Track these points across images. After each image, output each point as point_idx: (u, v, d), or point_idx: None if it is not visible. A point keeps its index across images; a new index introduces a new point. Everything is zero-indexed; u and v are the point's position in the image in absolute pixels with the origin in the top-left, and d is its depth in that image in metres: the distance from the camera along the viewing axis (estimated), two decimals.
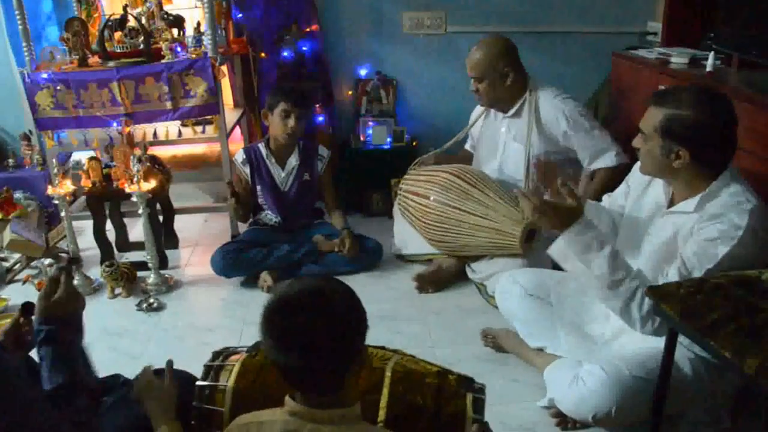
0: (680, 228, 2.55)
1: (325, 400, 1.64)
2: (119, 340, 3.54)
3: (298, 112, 4.02)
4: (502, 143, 4.07)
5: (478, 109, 4.29)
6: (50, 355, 1.85)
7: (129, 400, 2.20)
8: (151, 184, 3.96)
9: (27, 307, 2.14)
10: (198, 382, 2.02)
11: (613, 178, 3.55)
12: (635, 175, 2.93)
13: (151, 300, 3.89)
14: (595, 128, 3.83)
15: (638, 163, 2.79)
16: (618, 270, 2.53)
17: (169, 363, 2.10)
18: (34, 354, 1.96)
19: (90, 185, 4.20)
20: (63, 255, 4.33)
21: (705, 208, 2.48)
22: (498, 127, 4.10)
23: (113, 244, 4.46)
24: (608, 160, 3.80)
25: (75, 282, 3.88)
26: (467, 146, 4.54)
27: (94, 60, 4.49)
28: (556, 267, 3.37)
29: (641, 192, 2.87)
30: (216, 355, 2.14)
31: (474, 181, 3.87)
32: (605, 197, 3.15)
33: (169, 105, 4.31)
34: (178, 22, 4.61)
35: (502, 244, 3.72)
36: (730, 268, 2.35)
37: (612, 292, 2.54)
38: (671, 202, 2.66)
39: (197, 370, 2.10)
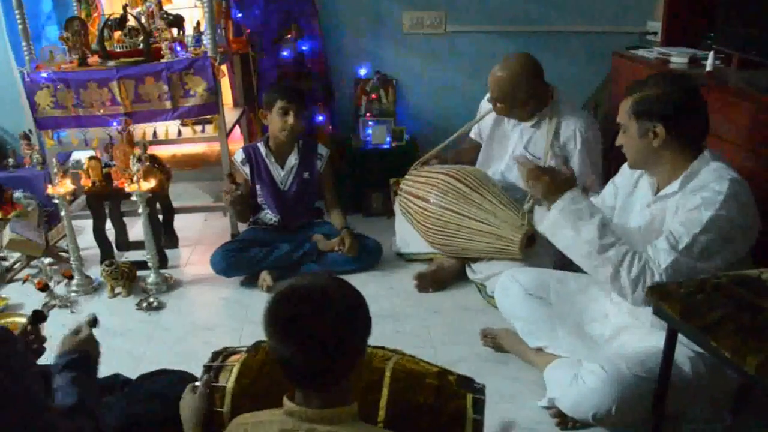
0: (667, 208, 2.61)
1: (323, 399, 1.65)
2: (119, 339, 3.54)
3: (295, 108, 4.03)
4: (512, 148, 4.06)
5: (488, 101, 4.24)
6: (66, 381, 1.89)
7: (129, 400, 2.21)
8: (151, 183, 3.96)
9: (36, 315, 2.16)
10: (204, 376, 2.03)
11: None
12: (623, 175, 2.99)
13: (151, 299, 3.89)
14: (596, 168, 3.87)
15: (624, 165, 2.85)
16: (607, 235, 2.60)
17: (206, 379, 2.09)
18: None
19: (90, 185, 4.20)
20: (63, 254, 4.32)
21: (688, 186, 2.55)
22: (510, 132, 4.09)
23: (113, 244, 4.46)
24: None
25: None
26: (472, 134, 4.48)
27: (93, 59, 4.49)
28: (556, 267, 3.39)
29: (629, 191, 2.91)
30: (215, 355, 2.15)
31: (474, 184, 3.87)
32: (592, 199, 3.15)
33: (168, 104, 4.31)
34: (177, 21, 4.61)
35: (502, 248, 3.71)
36: (716, 235, 2.42)
37: (601, 257, 2.59)
38: (657, 190, 2.71)
39: (197, 370, 2.10)
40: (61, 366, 1.94)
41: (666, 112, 2.55)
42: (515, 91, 3.81)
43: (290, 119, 4.02)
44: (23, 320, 3.40)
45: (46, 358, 2.16)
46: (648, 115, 2.57)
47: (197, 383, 2.04)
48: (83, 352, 2.02)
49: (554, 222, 2.75)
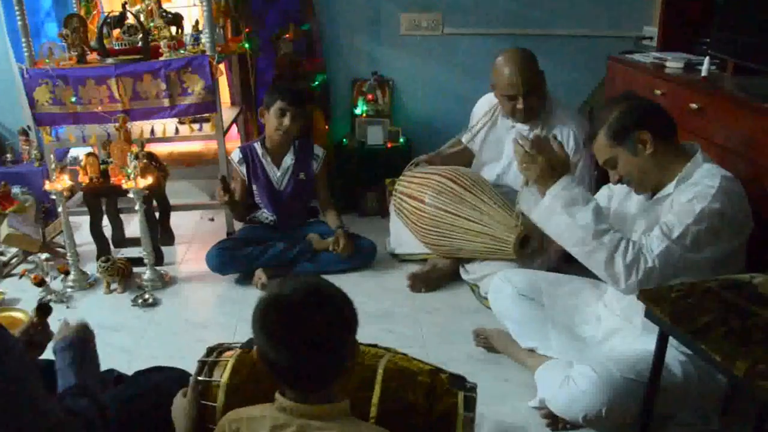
0: (661, 208, 2.64)
1: (315, 396, 1.66)
2: (114, 335, 3.55)
3: (293, 111, 4.04)
4: (507, 152, 4.06)
5: (483, 106, 4.24)
6: (66, 362, 1.97)
7: (123, 396, 2.22)
8: (148, 180, 3.98)
9: (43, 309, 2.16)
10: (192, 377, 2.04)
11: None
12: None
13: (147, 296, 3.90)
14: (588, 176, 3.86)
15: None
16: (602, 222, 2.60)
17: (194, 383, 2.09)
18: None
19: (87, 181, 4.21)
20: (60, 250, 4.33)
21: (681, 186, 2.58)
22: (505, 135, 4.08)
23: (109, 240, 4.46)
24: None
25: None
26: (462, 138, 4.44)
27: (92, 56, 4.49)
28: (549, 269, 3.41)
29: (624, 195, 2.93)
30: (210, 350, 2.16)
31: (469, 185, 3.88)
32: None
33: (166, 102, 4.32)
34: (176, 19, 4.63)
35: (496, 249, 3.73)
36: (708, 227, 2.44)
37: (596, 242, 2.57)
38: (653, 194, 2.73)
39: (191, 366, 2.11)
40: (60, 348, 2.05)
41: (638, 118, 2.60)
42: (539, 78, 3.82)
43: (286, 121, 4.03)
44: (20, 315, 3.45)
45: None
46: (626, 131, 2.61)
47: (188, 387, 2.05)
48: (79, 333, 2.15)
49: (548, 207, 2.72)
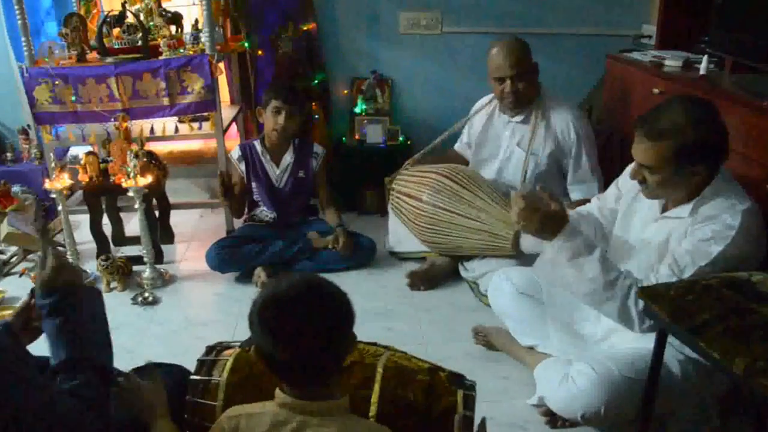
0: (674, 231, 2.56)
1: (315, 392, 1.67)
2: (114, 333, 3.44)
3: (288, 110, 4.05)
4: (505, 147, 4.08)
5: (480, 105, 4.26)
6: (53, 331, 1.83)
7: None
8: (148, 179, 3.98)
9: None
10: (191, 377, 2.05)
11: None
12: (626, 179, 2.90)
13: (147, 294, 3.91)
14: (593, 156, 3.87)
15: (629, 168, 2.77)
16: (611, 270, 2.54)
17: (151, 365, 2.08)
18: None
19: (87, 180, 4.22)
20: (60, 248, 4.34)
21: (699, 211, 2.50)
22: (502, 131, 4.10)
23: (109, 239, 4.47)
24: (589, 191, 3.82)
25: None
26: (457, 146, 4.51)
27: (92, 56, 4.50)
28: None
29: (633, 197, 2.86)
30: (209, 349, 2.17)
31: (466, 182, 3.89)
32: (594, 199, 3.15)
33: (166, 101, 4.33)
34: (176, 19, 4.63)
35: (495, 246, 3.74)
36: (722, 268, 2.38)
37: (608, 293, 2.53)
38: (664, 208, 2.68)
39: (191, 364, 2.12)
40: (44, 314, 1.84)
41: (708, 154, 2.46)
42: (530, 60, 3.85)
43: (281, 119, 4.05)
44: None
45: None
46: (691, 160, 2.46)
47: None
48: (61, 288, 1.86)
49: (552, 260, 2.66)
